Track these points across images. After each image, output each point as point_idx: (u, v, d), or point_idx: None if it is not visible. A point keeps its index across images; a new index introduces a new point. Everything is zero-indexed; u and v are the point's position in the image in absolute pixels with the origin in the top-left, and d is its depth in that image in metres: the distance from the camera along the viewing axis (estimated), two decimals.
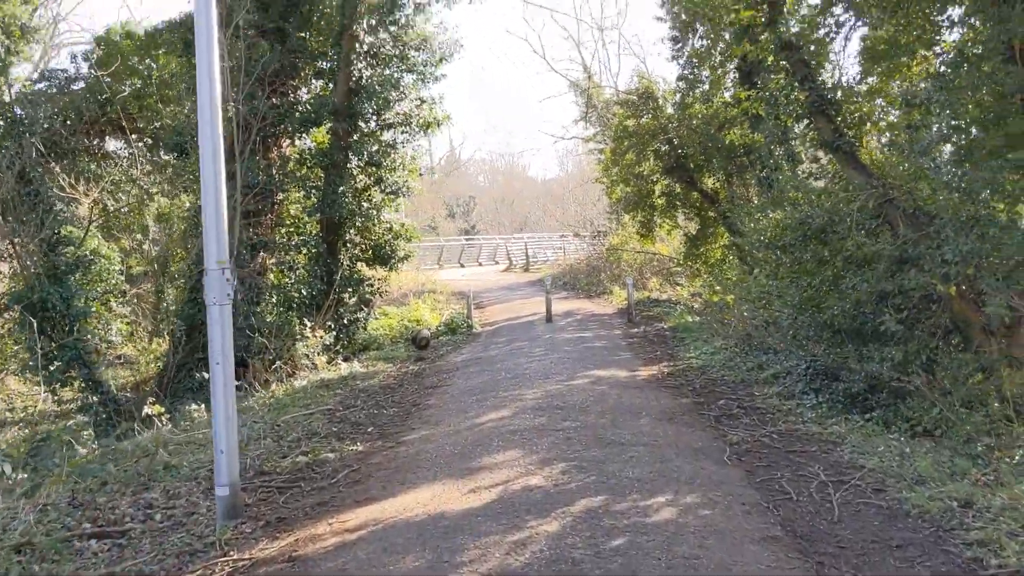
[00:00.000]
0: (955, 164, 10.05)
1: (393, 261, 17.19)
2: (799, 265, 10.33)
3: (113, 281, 17.65)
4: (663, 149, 23.93)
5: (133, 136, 20.28)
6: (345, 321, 16.41)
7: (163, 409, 11.35)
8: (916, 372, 9.54)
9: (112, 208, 18.97)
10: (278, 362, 14.37)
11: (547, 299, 19.69)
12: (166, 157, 19.20)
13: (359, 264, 17.34)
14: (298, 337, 14.89)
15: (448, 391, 11.96)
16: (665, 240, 28.91)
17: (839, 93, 10.25)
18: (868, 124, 10.05)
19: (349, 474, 7.94)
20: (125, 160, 18.29)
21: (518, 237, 48.05)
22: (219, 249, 6.72)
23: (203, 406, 12.00)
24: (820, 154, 11.17)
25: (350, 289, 16.47)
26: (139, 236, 21.80)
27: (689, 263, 24.57)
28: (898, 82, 10.15)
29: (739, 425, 9.05)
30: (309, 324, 14.96)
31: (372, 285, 17.40)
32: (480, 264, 47.20)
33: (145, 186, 18.35)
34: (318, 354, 15.22)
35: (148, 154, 19.23)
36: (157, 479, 7.88)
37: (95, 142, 19.08)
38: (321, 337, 15.30)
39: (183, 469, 8.07)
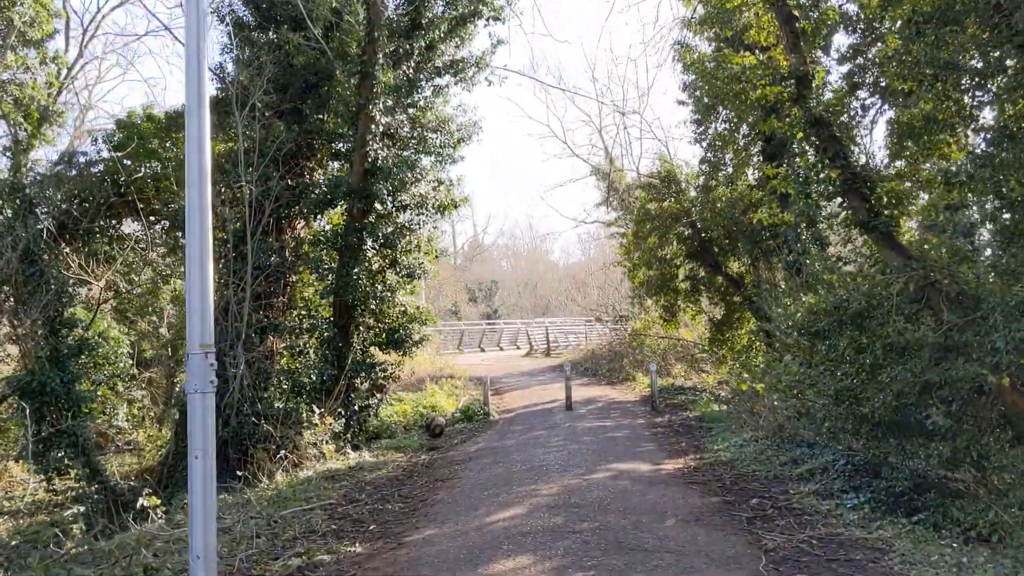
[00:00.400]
0: (1000, 246, 9.43)
1: (408, 345, 16.62)
2: (835, 353, 9.63)
3: (121, 364, 17.19)
4: (686, 232, 23.50)
5: (151, 218, 20.18)
6: (356, 407, 15.77)
7: (159, 501, 10.69)
8: (967, 470, 8.75)
9: (125, 290, 18.68)
10: (283, 451, 13.69)
11: (567, 386, 18.98)
12: (182, 239, 19.00)
13: (372, 348, 16.78)
14: (306, 424, 14.25)
15: (459, 484, 11.21)
16: (689, 325, 28.23)
17: (872, 172, 9.73)
18: (904, 203, 9.48)
19: None
20: (141, 242, 18.09)
21: (539, 322, 47.50)
22: (203, 332, 6.19)
23: None
24: (854, 234, 10.58)
25: (362, 374, 15.89)
26: (155, 319, 21.53)
27: (714, 349, 23.83)
28: (933, 161, 9.62)
29: (774, 528, 8.23)
30: (318, 411, 14.34)
31: (385, 370, 16.81)
32: (501, 348, 46.55)
33: (159, 268, 18.07)
34: (326, 442, 14.54)
35: (164, 236, 19.06)
36: None
37: (111, 223, 18.91)
38: (330, 425, 14.65)
39: (164, 572, 7.36)
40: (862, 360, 9.31)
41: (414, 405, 20.08)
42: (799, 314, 12.28)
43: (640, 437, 14.64)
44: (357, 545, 8.39)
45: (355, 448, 15.22)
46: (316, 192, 15.93)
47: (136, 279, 18.46)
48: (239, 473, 12.78)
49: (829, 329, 9.89)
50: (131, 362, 17.85)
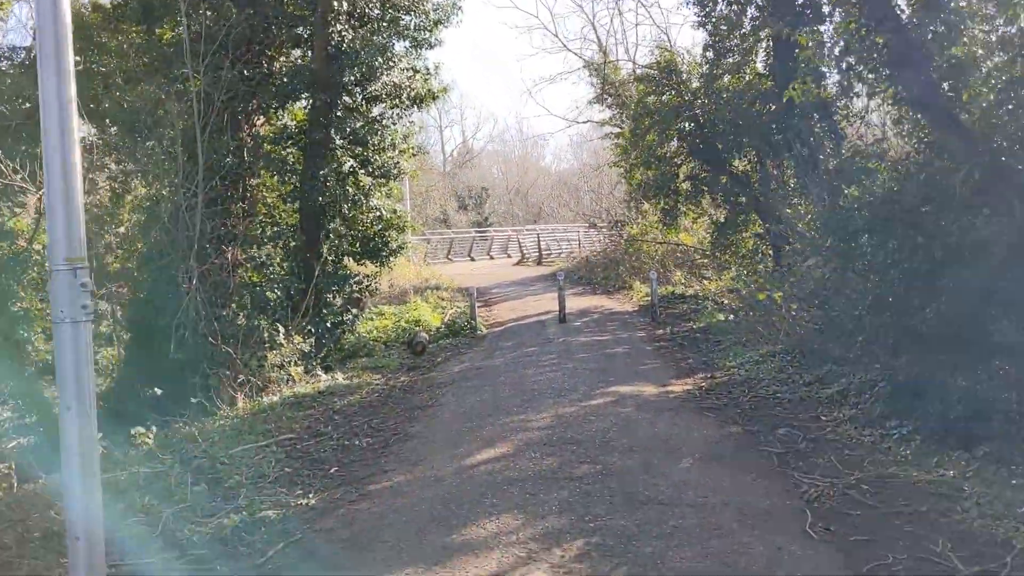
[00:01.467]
0: None
1: (384, 255, 15.01)
2: (882, 254, 8.08)
3: None
4: (688, 128, 21.62)
5: (106, 121, 18.19)
6: (328, 324, 14.27)
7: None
8: None
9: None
10: (243, 375, 12.26)
11: (560, 296, 17.49)
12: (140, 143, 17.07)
13: (346, 259, 15.18)
14: (270, 345, 12.76)
15: (438, 414, 9.80)
16: (690, 230, 26.63)
17: (930, 35, 7.96)
18: (971, 74, 7.76)
19: (284, 549, 5.78)
20: (94, 149, 16.20)
21: (531, 229, 45.81)
22: (69, 242, 4.56)
23: (154, 429, 9.92)
24: (900, 114, 8.88)
25: (334, 288, 14.32)
26: (121, 230, 19.75)
27: (716, 254, 22.30)
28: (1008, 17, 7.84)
29: (813, 469, 6.82)
30: (283, 330, 12.83)
31: (361, 283, 15.25)
32: (492, 257, 45.03)
33: (113, 175, 16.19)
34: (294, 364, 13.09)
35: (124, 141, 17.12)
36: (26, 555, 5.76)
37: None
38: (298, 344, 13.17)
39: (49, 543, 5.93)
40: (915, 263, 7.77)
41: (396, 320, 18.61)
42: (824, 214, 10.74)
43: (642, 353, 13.23)
44: (311, 496, 6.98)
45: (327, 369, 13.79)
46: (275, 83, 14.02)
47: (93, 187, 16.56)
48: (193, 400, 11.36)
49: (873, 227, 8.31)
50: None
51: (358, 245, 14.97)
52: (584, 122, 44.37)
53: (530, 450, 7.54)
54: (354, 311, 15.40)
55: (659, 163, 22.16)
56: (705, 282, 23.21)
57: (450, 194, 70.96)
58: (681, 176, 22.42)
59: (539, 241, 38.21)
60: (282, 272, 13.70)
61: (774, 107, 18.66)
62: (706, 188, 22.10)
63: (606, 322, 17.35)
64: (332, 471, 7.79)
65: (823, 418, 8.48)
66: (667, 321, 16.98)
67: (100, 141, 17.13)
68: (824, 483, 6.38)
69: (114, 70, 16.76)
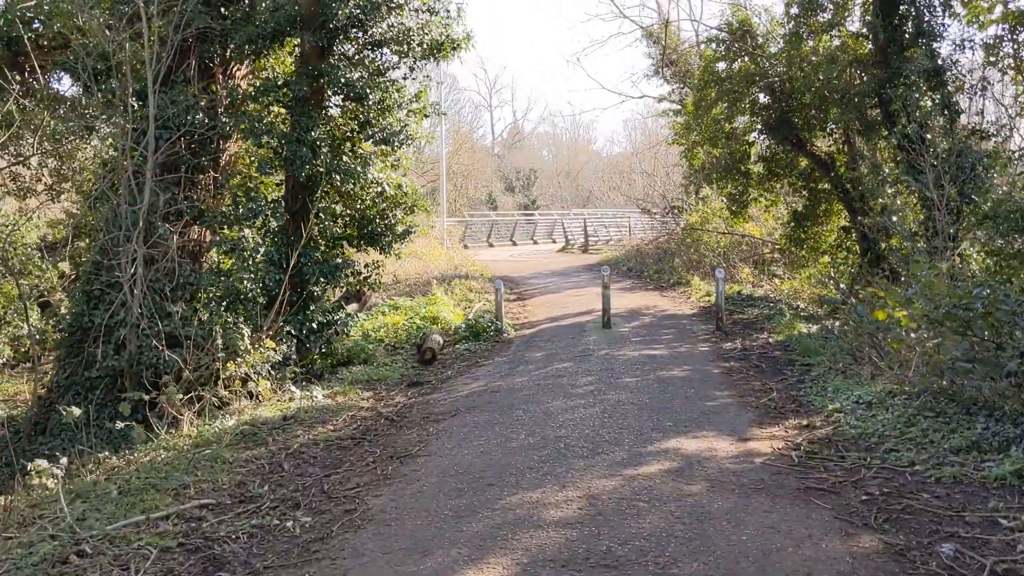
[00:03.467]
0: None
1: (387, 240, 12.14)
2: None
3: (17, 250, 13.08)
4: (762, 100, 18.43)
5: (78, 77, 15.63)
6: (314, 325, 11.48)
7: None
8: None
9: (34, 165, 14.36)
10: (195, 390, 9.54)
11: (605, 296, 14.47)
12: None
13: (341, 246, 12.38)
14: (231, 350, 10.00)
15: (420, 474, 6.88)
16: (757, 219, 23.36)
17: None
18: None
19: None
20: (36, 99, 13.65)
21: (577, 213, 42.68)
22: None
23: (63, 463, 7.28)
24: None
25: (323, 279, 11.50)
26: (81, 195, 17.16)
27: (792, 248, 19.05)
28: None
29: None
30: (248, 333, 10.04)
31: (359, 273, 12.43)
32: (535, 242, 42.05)
33: (61, 133, 13.56)
34: (264, 376, 10.34)
35: (85, 92, 14.54)
36: None
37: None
38: (270, 350, 10.39)
39: None
40: None
41: (410, 316, 15.78)
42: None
43: (707, 378, 10.18)
44: None
45: (307, 382, 11.04)
46: (254, 21, 11.19)
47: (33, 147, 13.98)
48: (119, 424, 8.68)
49: None
50: (40, 254, 13.70)
51: (355, 228, 12.13)
52: (639, 97, 41.20)
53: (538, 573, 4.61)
54: (351, 308, 12.61)
55: (727, 141, 19.01)
56: (776, 281, 19.99)
57: (498, 175, 68.52)
58: (753, 156, 19.23)
59: (585, 226, 35.07)
60: (255, 260, 10.91)
61: (874, 73, 15.37)
62: (781, 171, 18.90)
63: (659, 329, 14.30)
64: None
65: (1002, 520, 5.40)
66: (735, 331, 13.88)
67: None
68: None
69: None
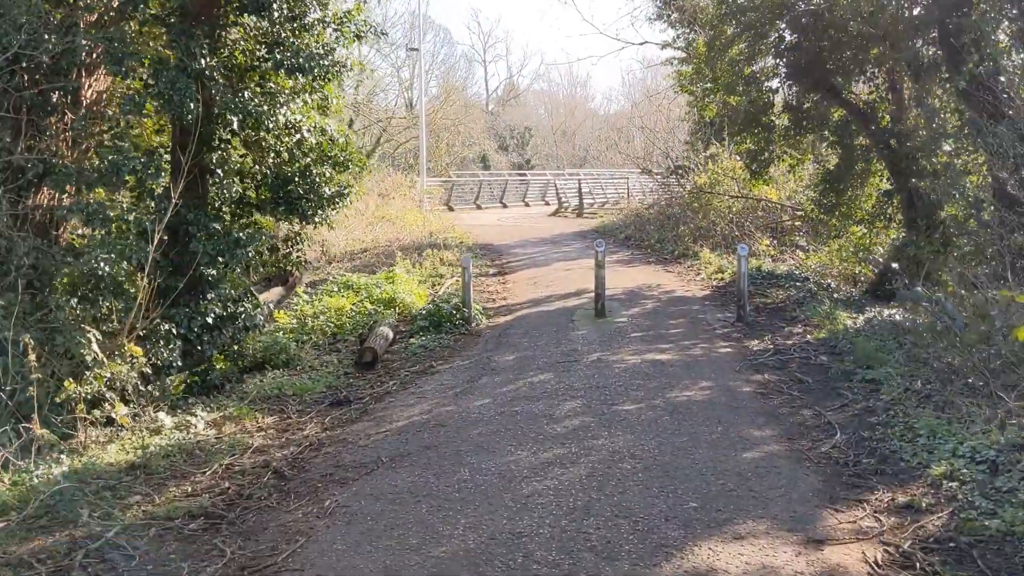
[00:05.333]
0: None
1: (311, 205, 9.18)
2: None
3: None
4: (789, 39, 15.31)
5: None
6: (209, 319, 8.58)
7: None
8: None
9: None
10: (18, 418, 6.68)
11: (599, 276, 11.54)
12: None
13: (251, 212, 9.44)
14: (76, 360, 7.13)
15: None
16: (775, 182, 20.30)
17: None
18: None
19: None
20: None
21: (572, 173, 39.49)
22: None
23: None
24: None
25: (220, 259, 8.58)
26: None
27: (821, 216, 16.07)
28: None
29: None
30: (97, 338, 7.15)
31: (276, 249, 9.52)
32: (527, 204, 38.94)
33: None
34: (132, 393, 7.47)
35: None
36: None
37: None
38: (140, 357, 7.51)
39: None
40: None
41: (359, 298, 12.87)
42: None
43: (738, 403, 7.31)
44: None
45: (203, 395, 8.21)
46: None
47: None
48: None
49: None
50: None
51: (267, 189, 9.17)
52: (640, 43, 37.72)
53: None
54: (271, 294, 9.72)
55: (746, 87, 15.95)
56: (800, 254, 17.07)
57: (491, 133, 65.32)
58: (777, 106, 16.20)
59: (580, 188, 32.00)
60: (120, 232, 7.98)
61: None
62: (810, 124, 15.86)
63: (666, 318, 11.41)
64: None
65: None
66: (761, 321, 11.03)
67: None
68: None
69: None
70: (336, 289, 13.69)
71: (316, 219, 9.34)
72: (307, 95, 9.10)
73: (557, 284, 14.87)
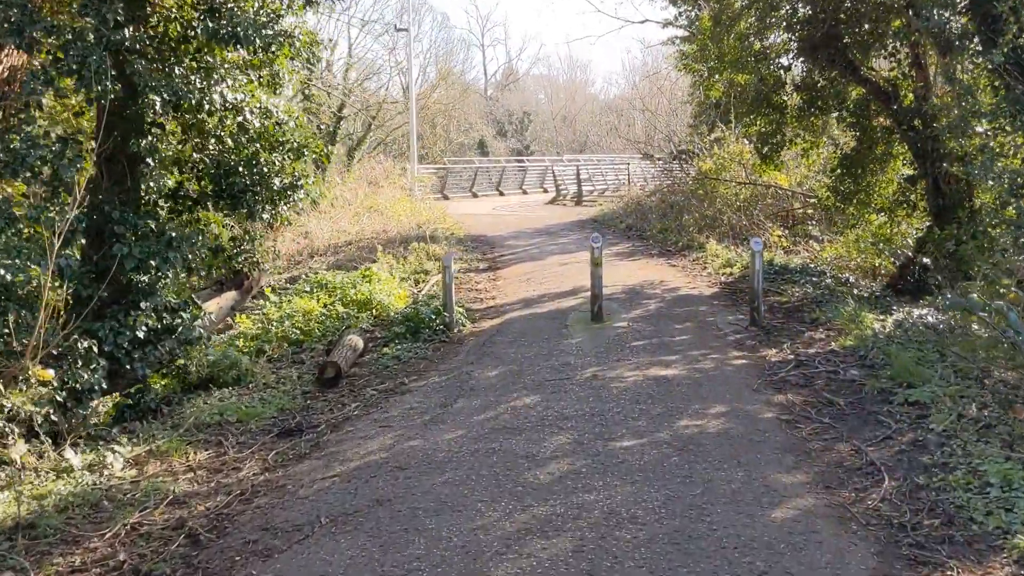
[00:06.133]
0: None
1: (259, 200, 7.93)
2: None
3: None
4: (802, 12, 14.00)
5: None
6: (140, 333, 7.36)
7: None
8: None
9: None
10: None
11: (595, 277, 10.28)
12: None
13: (195, 208, 8.20)
14: None
15: None
16: (786, 168, 18.97)
17: None
18: None
19: None
20: None
21: (570, 159, 38.11)
22: None
23: None
24: None
25: (152, 262, 7.34)
26: None
27: (837, 204, 14.79)
28: None
29: None
30: None
31: (222, 249, 8.29)
32: (525, 192, 37.64)
33: None
34: (42, 423, 6.26)
35: None
36: None
37: None
38: (47, 384, 6.31)
39: None
40: None
41: (332, 299, 11.65)
42: None
43: (760, 437, 6.07)
44: None
45: (138, 421, 7.01)
46: None
47: None
48: None
49: None
50: None
51: (209, 180, 7.93)
52: (641, 22, 36.45)
53: None
54: (222, 300, 8.50)
55: (756, 64, 14.67)
56: (815, 245, 15.81)
57: (489, 119, 64.05)
58: (788, 85, 14.91)
59: (578, 174, 30.68)
60: (43, 232, 6.75)
61: None
62: (825, 104, 14.58)
63: (671, 321, 10.18)
64: None
65: None
66: (777, 324, 9.82)
67: None
68: None
69: None
70: (308, 289, 12.47)
71: (264, 215, 8.07)
72: (252, 71, 7.82)
73: (552, 281, 13.64)
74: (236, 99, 7.53)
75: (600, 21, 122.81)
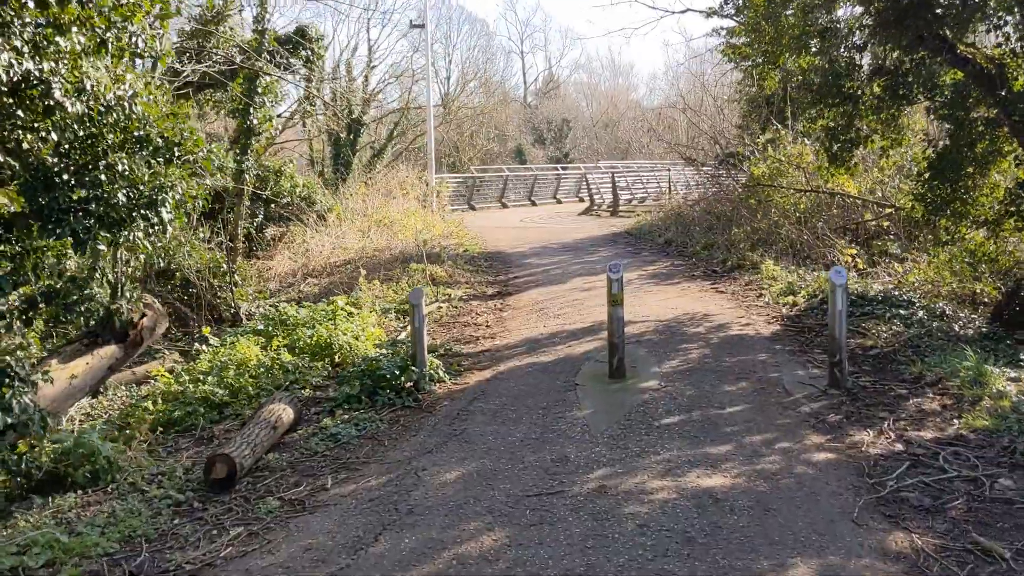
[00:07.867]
0: None
1: (95, 222, 5.35)
2: None
3: None
4: None
5: None
6: None
7: None
8: None
9: None
10: None
11: (615, 320, 7.55)
12: None
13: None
14: None
15: None
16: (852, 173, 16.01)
17: None
18: None
19: None
20: None
21: (608, 166, 35.27)
22: None
23: None
24: None
25: None
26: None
27: (927, 214, 11.84)
28: None
29: None
30: None
31: (58, 293, 5.79)
32: (559, 201, 35.01)
33: None
34: None
35: None
36: None
37: None
38: None
39: None
40: None
41: (290, 340, 9.13)
42: None
43: None
44: None
45: None
46: None
47: None
48: None
49: None
50: None
51: (19, 195, 5.43)
52: (682, 11, 33.92)
53: None
54: (92, 361, 5.99)
55: (822, 44, 11.90)
56: (896, 266, 12.87)
57: (528, 126, 61.94)
58: (864, 69, 12.09)
59: (614, 183, 27.92)
60: None
61: None
62: (910, 92, 11.72)
63: (719, 380, 7.43)
64: None
65: None
66: (868, 388, 7.03)
67: None
68: None
69: None
70: (262, 326, 9.98)
71: (99, 245, 5.52)
72: (63, 34, 5.23)
73: (569, 312, 10.97)
74: (37, 71, 4.98)
75: (636, 12, 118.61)
